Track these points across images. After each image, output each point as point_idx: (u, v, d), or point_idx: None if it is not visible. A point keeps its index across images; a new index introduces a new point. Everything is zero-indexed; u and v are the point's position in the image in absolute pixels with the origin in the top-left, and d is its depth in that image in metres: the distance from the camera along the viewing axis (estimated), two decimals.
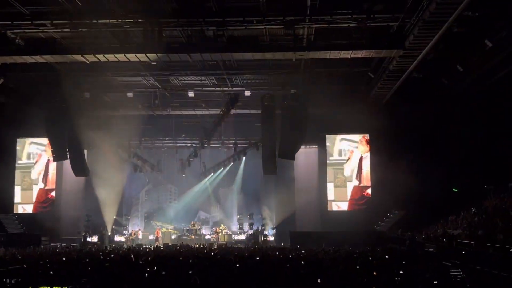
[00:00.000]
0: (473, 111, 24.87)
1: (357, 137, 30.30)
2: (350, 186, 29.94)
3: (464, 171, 26.15)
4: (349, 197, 29.83)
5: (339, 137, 30.43)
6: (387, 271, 13.24)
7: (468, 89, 24.81)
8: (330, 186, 29.96)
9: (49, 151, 30.68)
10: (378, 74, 24.45)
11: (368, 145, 30.00)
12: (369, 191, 29.67)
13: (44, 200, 31.31)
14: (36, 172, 31.57)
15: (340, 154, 30.34)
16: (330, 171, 30.16)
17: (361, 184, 29.82)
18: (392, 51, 20.67)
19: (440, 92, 25.85)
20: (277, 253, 19.61)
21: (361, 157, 30.01)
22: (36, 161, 31.61)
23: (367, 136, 30.09)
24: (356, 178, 29.92)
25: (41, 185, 31.45)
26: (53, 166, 31.33)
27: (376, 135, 28.90)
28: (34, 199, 31.26)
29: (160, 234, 30.75)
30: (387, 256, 17.77)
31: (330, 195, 29.92)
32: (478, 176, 25.53)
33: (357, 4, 19.18)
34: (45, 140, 30.76)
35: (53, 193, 31.40)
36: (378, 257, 17.30)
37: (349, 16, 19.38)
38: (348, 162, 30.14)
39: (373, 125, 27.32)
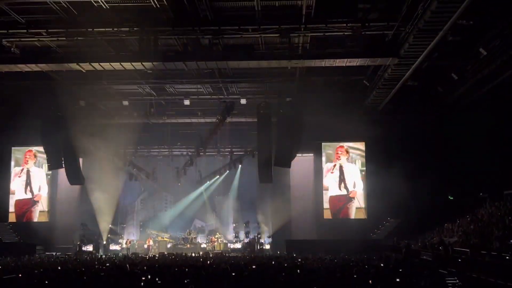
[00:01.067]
0: (468, 119, 24.93)
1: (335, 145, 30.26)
2: (326, 195, 29.84)
3: (459, 179, 26.18)
4: (327, 207, 29.75)
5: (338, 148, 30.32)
6: (383, 279, 13.22)
7: (463, 97, 24.90)
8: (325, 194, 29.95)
9: (31, 161, 30.67)
10: (374, 82, 24.51)
11: (348, 154, 29.93)
12: (357, 202, 29.41)
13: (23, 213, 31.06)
14: (19, 183, 31.27)
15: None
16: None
17: (346, 194, 29.70)
18: (387, 59, 20.73)
19: (435, 100, 25.94)
20: (273, 261, 19.54)
21: (341, 166, 29.93)
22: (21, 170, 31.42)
23: (345, 145, 30.04)
24: (340, 188, 29.77)
25: (23, 195, 31.13)
26: (37, 176, 31.18)
27: (372, 142, 28.91)
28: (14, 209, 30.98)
29: (151, 243, 30.61)
30: (382, 264, 17.75)
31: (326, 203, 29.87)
32: (474, 184, 25.56)
33: (352, 13, 19.23)
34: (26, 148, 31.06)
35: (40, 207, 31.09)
36: (374, 265, 17.28)
37: (344, 25, 19.44)
38: (329, 172, 30.00)
39: (369, 133, 27.35)
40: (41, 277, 14.19)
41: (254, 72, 25.17)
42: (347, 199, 29.59)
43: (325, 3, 18.48)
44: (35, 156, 30.89)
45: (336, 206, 29.63)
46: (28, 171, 31.22)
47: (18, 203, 31.02)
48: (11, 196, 31.03)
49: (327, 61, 21.17)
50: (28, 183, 31.15)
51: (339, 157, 29.97)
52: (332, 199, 29.69)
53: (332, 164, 29.99)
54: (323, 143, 30.27)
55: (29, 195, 31.07)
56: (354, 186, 29.62)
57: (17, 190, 31.12)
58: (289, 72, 24.69)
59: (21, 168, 31.30)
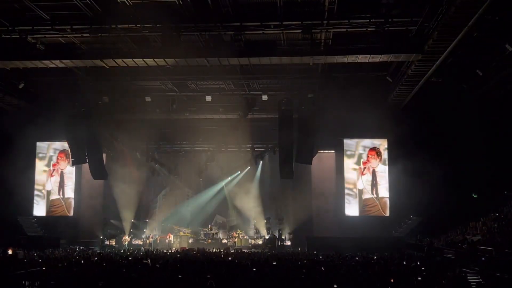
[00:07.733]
0: (492, 116, 24.56)
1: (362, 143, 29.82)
2: (361, 198, 29.51)
3: (484, 177, 25.80)
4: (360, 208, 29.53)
5: (360, 145, 29.98)
6: (405, 277, 13.14)
7: (488, 93, 24.52)
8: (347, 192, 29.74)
9: (64, 162, 31.28)
10: (397, 79, 24.28)
11: (380, 157, 29.47)
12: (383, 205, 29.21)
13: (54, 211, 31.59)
14: (54, 183, 31.68)
15: (358, 163, 29.88)
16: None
17: (377, 196, 29.33)
18: (410, 55, 20.53)
19: (459, 96, 25.58)
20: (294, 258, 19.55)
21: (374, 169, 29.55)
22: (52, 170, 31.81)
23: (381, 147, 29.64)
24: (372, 192, 29.38)
25: (56, 195, 31.58)
26: (70, 176, 31.60)
27: (394, 140, 28.65)
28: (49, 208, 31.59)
29: (171, 238, 30.85)
30: (404, 262, 17.64)
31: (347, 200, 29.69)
32: (498, 182, 25.19)
33: (375, 8, 19.07)
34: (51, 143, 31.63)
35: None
36: (395, 263, 17.18)
37: (367, 20, 19.26)
38: (361, 174, 29.58)
39: (391, 130, 27.15)
40: (65, 271, 14.43)
41: (276, 68, 25.11)
42: (378, 203, 29.29)
43: None
44: (67, 156, 31.17)
45: (367, 207, 29.40)
46: (62, 173, 31.64)
47: (53, 202, 31.53)
48: (46, 194, 31.51)
49: (349, 57, 21.06)
50: (61, 185, 31.55)
51: (370, 160, 29.51)
52: (366, 201, 29.42)
53: (362, 165, 29.52)
54: (344, 140, 30.05)
55: (62, 196, 31.49)
56: (385, 191, 29.16)
57: (53, 191, 31.55)
58: (311, 68, 24.59)
59: (53, 167, 31.66)
